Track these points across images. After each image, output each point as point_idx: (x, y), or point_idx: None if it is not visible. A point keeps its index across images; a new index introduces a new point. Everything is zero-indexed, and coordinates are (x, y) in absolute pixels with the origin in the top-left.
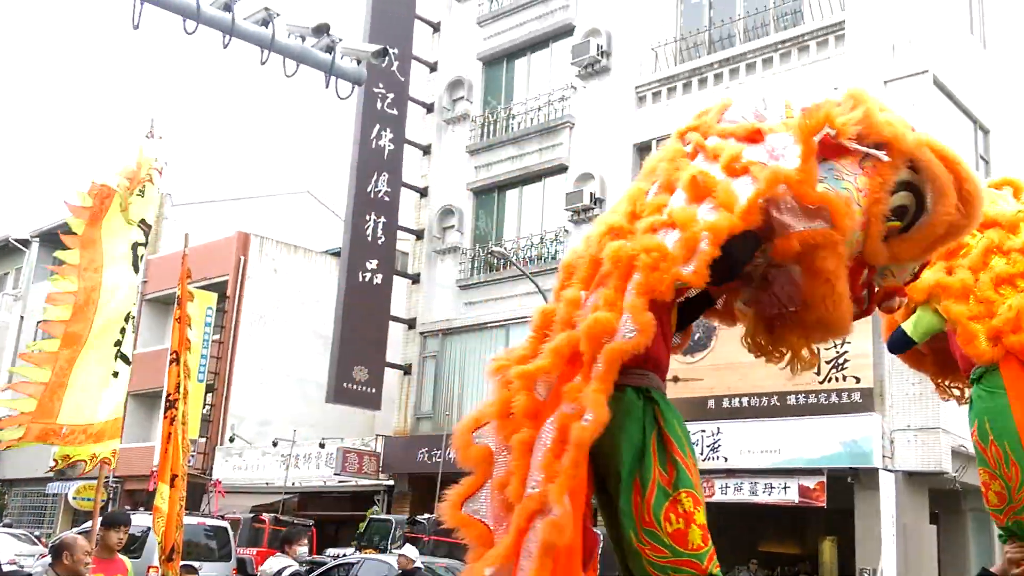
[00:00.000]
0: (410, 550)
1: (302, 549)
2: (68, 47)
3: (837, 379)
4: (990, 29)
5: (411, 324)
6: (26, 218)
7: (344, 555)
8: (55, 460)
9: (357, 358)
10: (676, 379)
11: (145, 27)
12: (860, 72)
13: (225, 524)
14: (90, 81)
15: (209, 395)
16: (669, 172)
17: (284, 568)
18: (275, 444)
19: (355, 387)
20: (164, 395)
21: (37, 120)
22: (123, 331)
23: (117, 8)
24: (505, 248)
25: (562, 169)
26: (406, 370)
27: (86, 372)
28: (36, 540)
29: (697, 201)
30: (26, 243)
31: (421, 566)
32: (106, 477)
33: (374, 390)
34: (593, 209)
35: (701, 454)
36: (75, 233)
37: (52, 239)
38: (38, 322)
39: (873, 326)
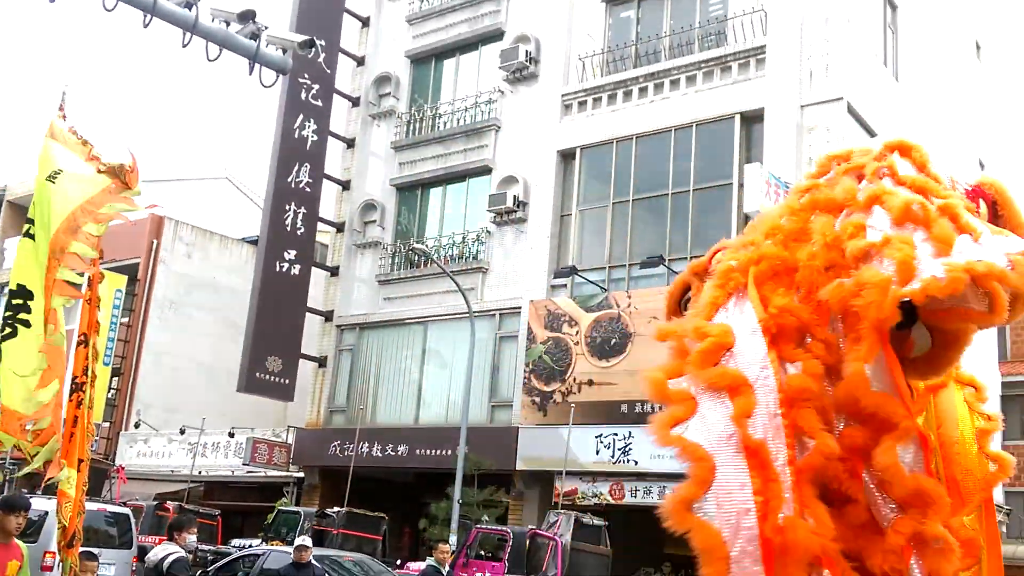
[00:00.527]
0: (306, 541)
1: (191, 537)
2: None
3: None
4: (903, 64)
5: (328, 316)
6: None
7: (250, 546)
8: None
9: (271, 348)
10: (591, 382)
11: (63, 2)
12: (778, 95)
13: (127, 511)
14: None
15: (115, 379)
16: (851, 191)
17: (169, 555)
18: (182, 432)
19: (268, 377)
20: (70, 378)
21: None
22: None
23: None
24: (427, 245)
25: (486, 171)
26: (321, 362)
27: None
28: None
29: (901, 225)
30: None
31: (313, 560)
32: (1, 459)
33: (287, 381)
34: (516, 212)
35: (612, 457)
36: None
37: None
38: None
39: None
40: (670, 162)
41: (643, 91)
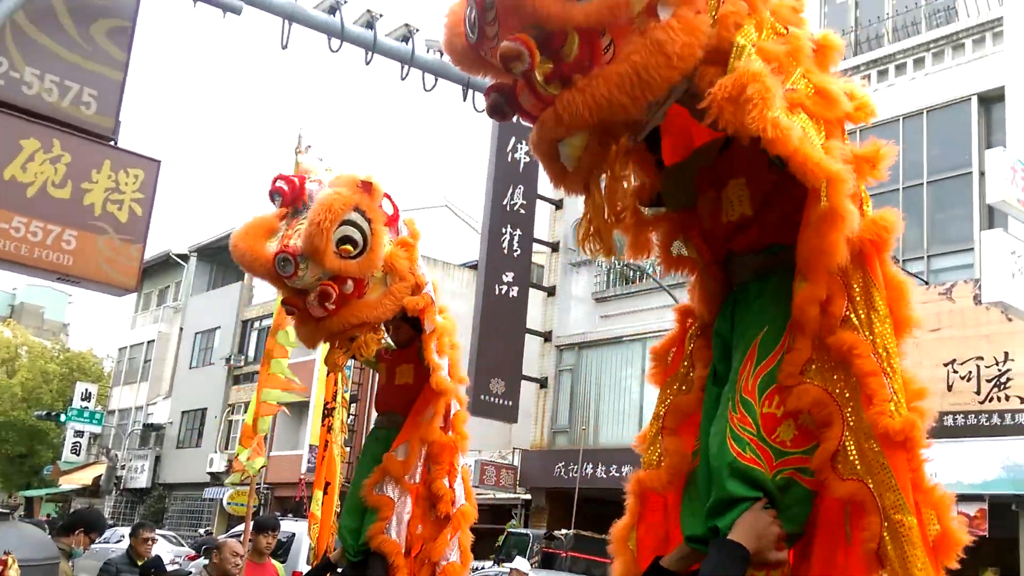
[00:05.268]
0: (521, 563)
1: None
2: (220, 68)
3: (999, 399)
4: None
5: (547, 337)
6: (185, 234)
7: (483, 568)
8: (238, 471)
9: (494, 371)
10: None
11: (292, 46)
12: (1020, 70)
13: None
14: (240, 101)
15: (353, 405)
16: None
17: None
18: None
19: (492, 399)
20: (322, 404)
21: (192, 140)
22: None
23: (267, 30)
24: (642, 260)
25: None
26: (542, 383)
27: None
28: (180, 542)
29: None
30: (185, 258)
31: None
32: (257, 484)
33: (511, 403)
34: None
35: None
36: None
37: (209, 253)
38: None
39: None
40: (899, 153)
41: (865, 80)
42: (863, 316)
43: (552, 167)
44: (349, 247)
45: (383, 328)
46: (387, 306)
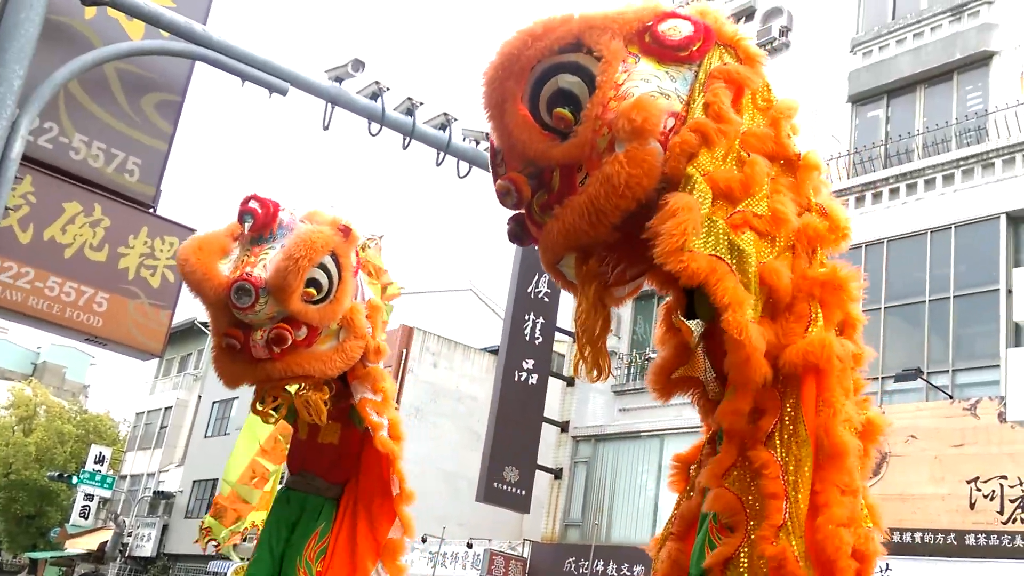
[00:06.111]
0: None
1: None
2: (260, 142)
3: (1023, 520)
4: None
5: (564, 427)
6: None
7: None
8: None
9: (509, 458)
10: None
11: (333, 127)
12: None
13: None
14: (277, 174)
15: None
16: None
17: None
18: (424, 540)
19: (505, 488)
20: None
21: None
22: None
23: (310, 110)
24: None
25: None
26: (557, 474)
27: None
28: None
29: None
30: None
31: None
32: None
33: (524, 492)
34: None
35: None
36: None
37: None
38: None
39: None
40: (926, 267)
41: (894, 192)
42: (786, 437)
43: (564, 284)
44: (313, 291)
45: (326, 387)
46: (335, 363)
